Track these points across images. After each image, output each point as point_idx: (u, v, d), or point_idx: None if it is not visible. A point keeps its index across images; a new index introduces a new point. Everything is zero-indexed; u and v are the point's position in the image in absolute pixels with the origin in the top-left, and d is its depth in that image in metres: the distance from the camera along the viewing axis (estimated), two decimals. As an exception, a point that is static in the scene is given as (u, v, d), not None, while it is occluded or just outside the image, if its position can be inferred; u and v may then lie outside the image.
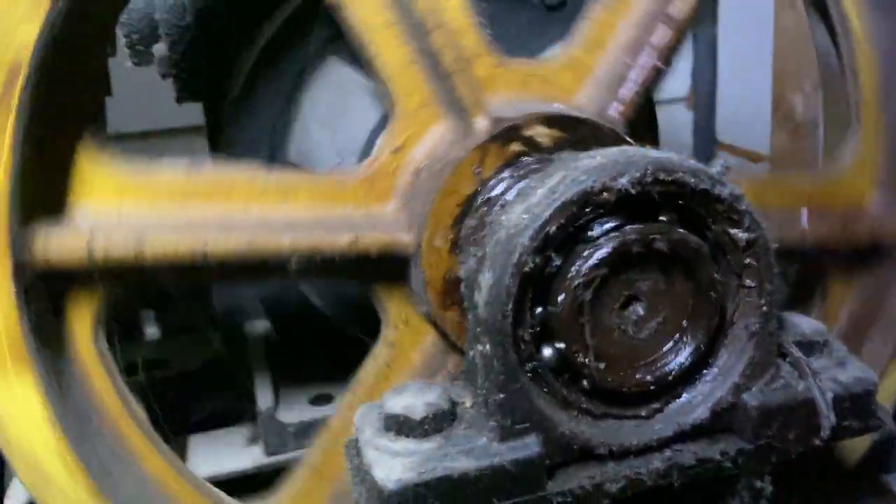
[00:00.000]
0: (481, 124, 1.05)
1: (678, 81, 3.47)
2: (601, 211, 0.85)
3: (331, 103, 1.35)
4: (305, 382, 1.54)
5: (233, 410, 1.58)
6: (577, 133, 1.04)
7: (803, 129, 3.34)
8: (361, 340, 1.39)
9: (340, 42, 1.33)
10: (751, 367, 0.93)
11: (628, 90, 1.13)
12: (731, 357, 0.94)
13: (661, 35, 1.14)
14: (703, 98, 3.49)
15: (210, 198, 1.02)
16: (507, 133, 1.03)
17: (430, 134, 1.07)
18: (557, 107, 1.09)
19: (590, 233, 0.86)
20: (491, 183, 1.02)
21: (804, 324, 1.01)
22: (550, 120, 1.04)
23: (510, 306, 0.83)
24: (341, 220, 1.05)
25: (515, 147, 1.03)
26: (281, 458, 1.45)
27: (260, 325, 1.57)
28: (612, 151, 0.89)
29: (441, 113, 1.07)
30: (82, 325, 1.03)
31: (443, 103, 1.06)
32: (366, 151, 1.33)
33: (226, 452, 1.49)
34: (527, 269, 0.83)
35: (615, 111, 1.13)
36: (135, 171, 1.02)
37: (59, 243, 0.97)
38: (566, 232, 0.85)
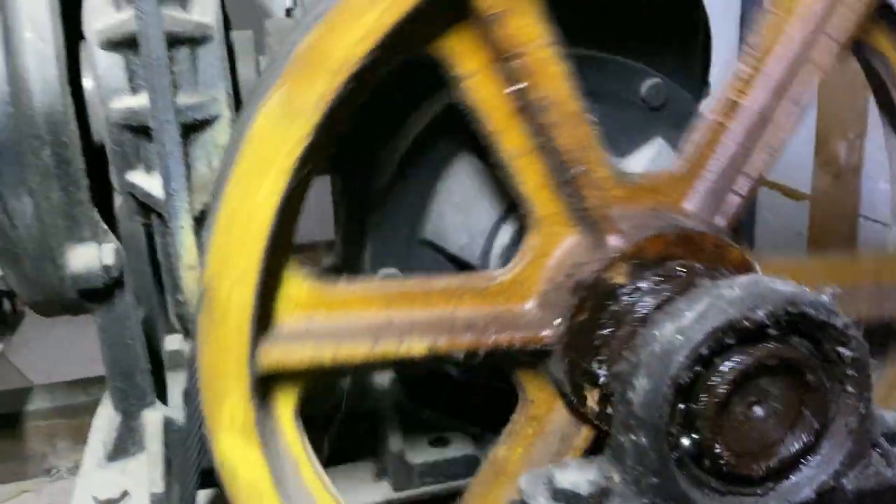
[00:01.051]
0: (614, 240, 1.24)
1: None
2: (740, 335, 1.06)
3: (464, 192, 1.56)
4: (424, 426, 1.76)
5: (356, 448, 1.80)
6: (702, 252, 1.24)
7: (845, 174, 3.53)
8: (474, 386, 1.61)
9: (476, 140, 1.55)
10: (849, 457, 1.14)
11: (732, 203, 1.32)
12: (833, 448, 1.15)
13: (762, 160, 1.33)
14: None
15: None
16: (639, 250, 1.22)
17: (563, 244, 1.27)
18: (676, 220, 1.27)
19: (728, 349, 1.07)
20: (626, 294, 1.22)
21: (889, 417, 1.21)
22: (678, 238, 1.24)
23: (666, 410, 1.05)
24: (488, 317, 1.25)
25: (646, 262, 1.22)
26: (407, 493, 1.69)
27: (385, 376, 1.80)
28: (747, 283, 1.10)
29: (572, 225, 1.26)
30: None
31: (574, 216, 1.25)
32: (492, 234, 1.55)
33: (356, 486, 1.71)
34: (680, 381, 1.04)
35: (721, 222, 1.32)
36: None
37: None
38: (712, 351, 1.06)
